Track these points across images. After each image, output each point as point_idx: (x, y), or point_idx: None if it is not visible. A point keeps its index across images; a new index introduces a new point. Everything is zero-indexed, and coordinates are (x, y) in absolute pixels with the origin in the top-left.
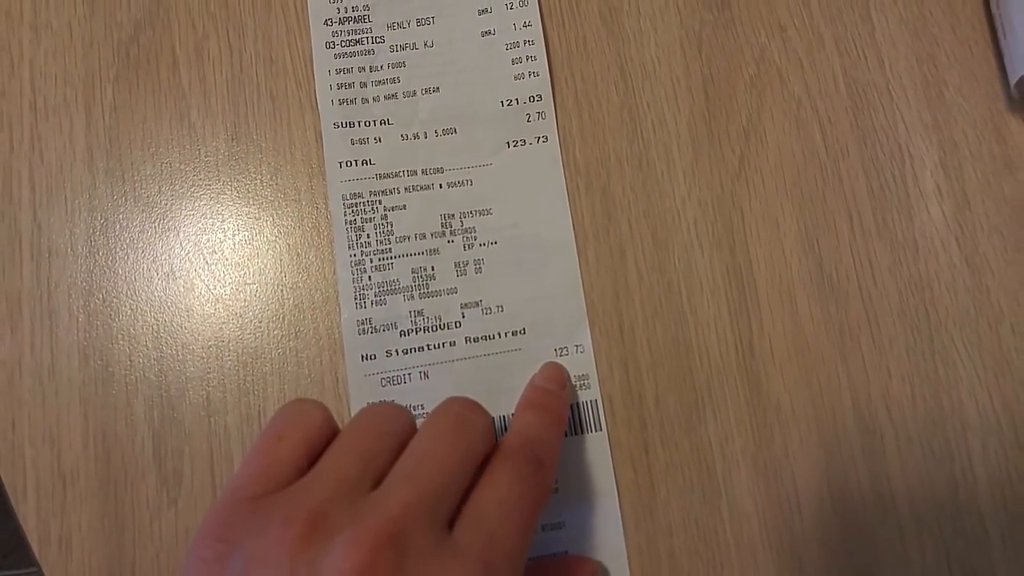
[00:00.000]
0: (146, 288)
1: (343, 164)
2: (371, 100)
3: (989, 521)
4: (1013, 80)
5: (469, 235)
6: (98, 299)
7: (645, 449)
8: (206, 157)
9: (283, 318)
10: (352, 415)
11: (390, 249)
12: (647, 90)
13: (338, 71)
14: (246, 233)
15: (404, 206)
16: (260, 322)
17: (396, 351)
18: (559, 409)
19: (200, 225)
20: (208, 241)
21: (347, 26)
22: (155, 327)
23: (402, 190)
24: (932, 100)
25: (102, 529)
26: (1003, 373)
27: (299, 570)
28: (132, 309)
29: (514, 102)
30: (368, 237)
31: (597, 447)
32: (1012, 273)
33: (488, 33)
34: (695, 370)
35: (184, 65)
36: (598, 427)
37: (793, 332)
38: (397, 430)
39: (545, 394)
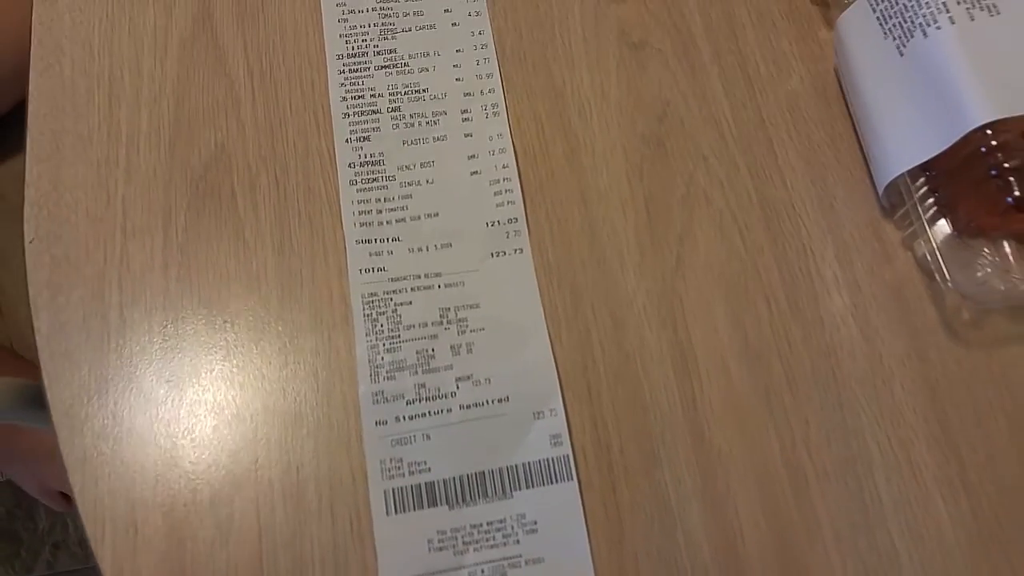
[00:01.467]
0: (207, 366)
1: (363, 271)
2: (385, 223)
3: (896, 538)
4: (880, 191)
5: (462, 324)
6: (170, 379)
7: (613, 489)
8: (256, 266)
9: (318, 389)
10: (369, 470)
11: (399, 335)
12: (602, 208)
13: (359, 201)
14: (287, 323)
15: (411, 302)
16: (299, 392)
17: (403, 417)
18: None
19: (250, 318)
20: (257, 330)
21: (366, 168)
22: (214, 399)
23: (409, 290)
24: (825, 210)
25: (167, 566)
26: (897, 420)
27: None
28: (195, 384)
29: (496, 223)
30: (382, 326)
31: (569, 495)
32: (898, 342)
33: (475, 173)
34: (650, 424)
35: (240, 195)
36: (570, 477)
37: (728, 392)
38: None
39: None
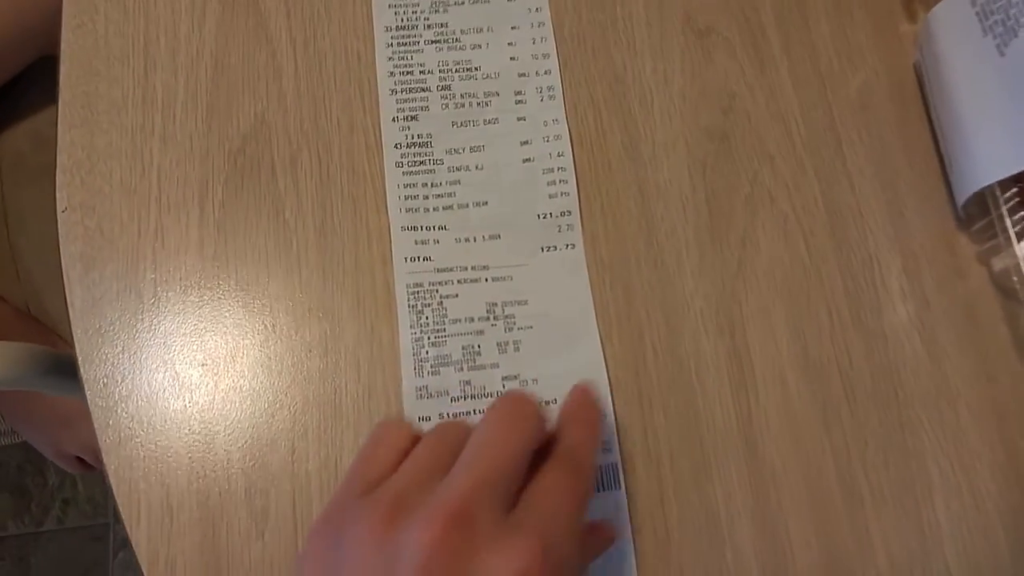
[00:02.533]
0: (244, 351)
1: (408, 259)
2: (431, 210)
3: (953, 566)
4: (960, 203)
5: (509, 320)
6: (205, 363)
7: (661, 502)
8: (297, 248)
9: (359, 380)
10: None
11: (444, 329)
12: (660, 204)
13: (405, 185)
14: (329, 310)
15: (457, 295)
16: (339, 383)
17: (447, 415)
18: (594, 420)
19: (288, 303)
20: (297, 316)
21: (413, 150)
22: (251, 386)
23: (455, 282)
24: (894, 218)
25: (201, 555)
26: (961, 444)
27: (385, 547)
28: (231, 370)
29: (548, 216)
30: (427, 319)
31: (617, 503)
32: (966, 362)
33: (528, 160)
34: (703, 436)
35: (281, 172)
36: (617, 486)
37: (784, 406)
38: (462, 433)
39: (582, 408)
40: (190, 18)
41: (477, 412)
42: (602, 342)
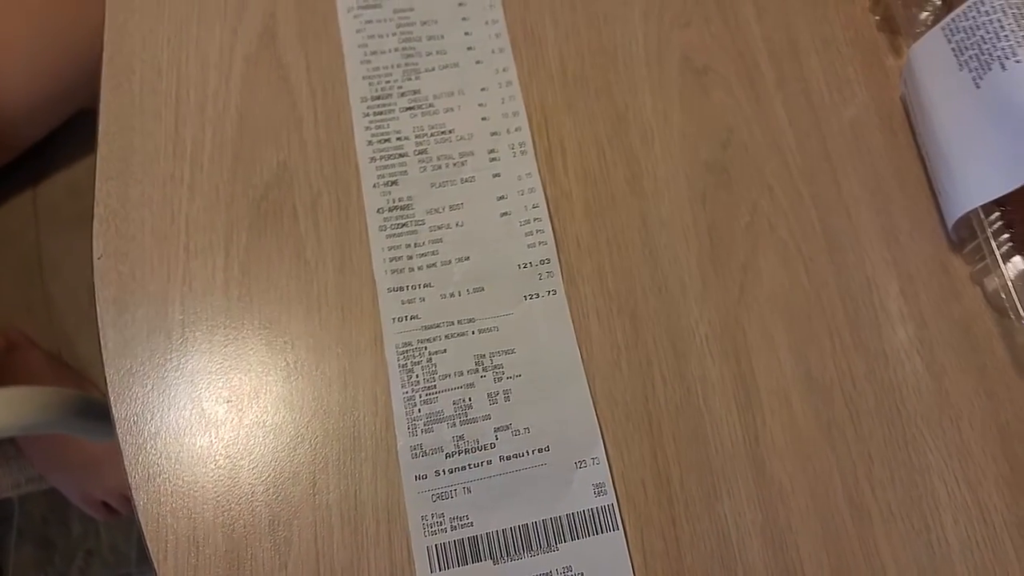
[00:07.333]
0: (267, 388)
1: (395, 320)
2: (416, 269)
3: None
4: (949, 225)
5: (498, 371)
6: (230, 399)
7: (673, 523)
8: (317, 287)
9: (376, 413)
10: (411, 526)
11: (435, 385)
12: (663, 235)
13: (389, 248)
14: (347, 345)
15: (445, 350)
16: (358, 416)
17: (443, 471)
18: None
19: (310, 340)
20: (317, 352)
21: (395, 213)
22: (273, 421)
23: (443, 337)
24: (890, 243)
25: None
26: (965, 460)
27: None
28: (255, 405)
29: (528, 264)
30: (417, 377)
31: (616, 545)
32: (965, 379)
33: (506, 214)
34: (711, 457)
35: (302, 215)
36: (615, 527)
37: (790, 426)
38: None
39: None
40: (218, 74)
41: (472, 467)
42: (590, 384)
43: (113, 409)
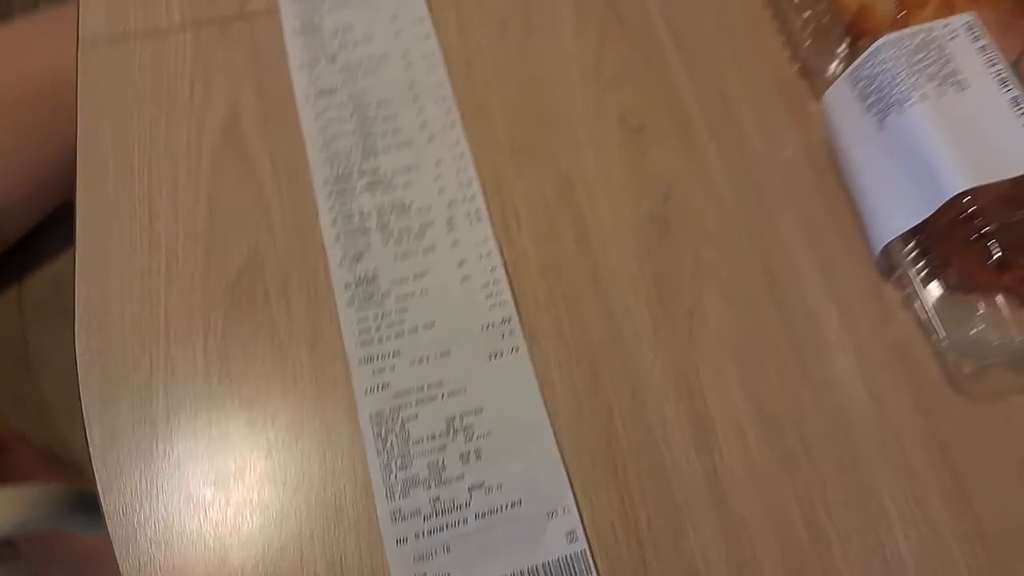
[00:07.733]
0: (251, 466)
1: (367, 391)
2: (384, 339)
3: None
4: (876, 255)
5: (468, 431)
6: (216, 481)
7: (643, 563)
8: (292, 365)
9: (356, 483)
10: None
11: (409, 451)
12: (614, 287)
13: (358, 321)
14: (324, 418)
15: (417, 416)
16: (338, 486)
17: (423, 533)
18: None
19: (289, 416)
20: (296, 427)
21: (362, 288)
22: (259, 498)
23: (414, 403)
24: (826, 276)
25: None
26: (911, 477)
27: None
28: (241, 484)
29: (491, 325)
30: (392, 444)
31: None
32: (905, 399)
33: (466, 278)
34: (675, 495)
35: (274, 296)
36: (588, 572)
37: (746, 459)
38: None
39: None
40: (187, 168)
41: (449, 526)
42: (556, 435)
43: (102, 500)
